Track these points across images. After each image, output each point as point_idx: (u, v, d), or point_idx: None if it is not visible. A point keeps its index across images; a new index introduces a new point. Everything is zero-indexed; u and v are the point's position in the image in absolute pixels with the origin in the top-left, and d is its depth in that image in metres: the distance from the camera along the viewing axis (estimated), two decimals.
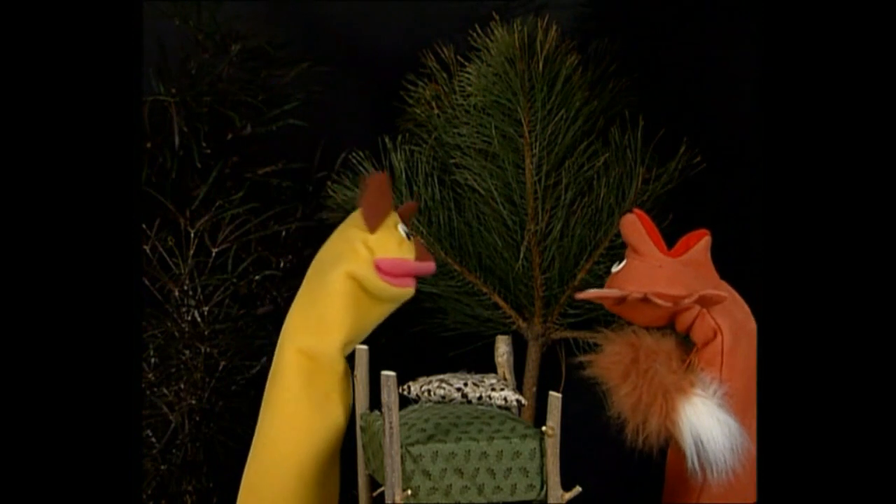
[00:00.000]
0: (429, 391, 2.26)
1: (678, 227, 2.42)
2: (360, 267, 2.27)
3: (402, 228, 2.31)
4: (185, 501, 2.62)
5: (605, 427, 2.25)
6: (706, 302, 2.23)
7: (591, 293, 2.25)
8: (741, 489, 2.26)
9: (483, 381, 2.28)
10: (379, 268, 2.27)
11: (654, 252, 2.25)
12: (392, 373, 2.12)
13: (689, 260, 2.26)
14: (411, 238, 2.31)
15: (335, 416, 2.30)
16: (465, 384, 2.26)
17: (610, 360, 2.23)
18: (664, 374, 2.21)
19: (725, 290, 2.26)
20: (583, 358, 2.24)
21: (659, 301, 2.20)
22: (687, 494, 2.29)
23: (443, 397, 2.26)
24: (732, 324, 2.25)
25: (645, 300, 2.22)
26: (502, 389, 2.27)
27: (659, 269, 2.24)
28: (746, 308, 2.27)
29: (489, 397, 2.26)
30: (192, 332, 2.61)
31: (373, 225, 2.28)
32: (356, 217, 2.31)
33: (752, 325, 2.26)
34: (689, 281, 2.24)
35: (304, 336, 2.29)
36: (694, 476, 2.24)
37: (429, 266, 2.31)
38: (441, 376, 2.28)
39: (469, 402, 2.25)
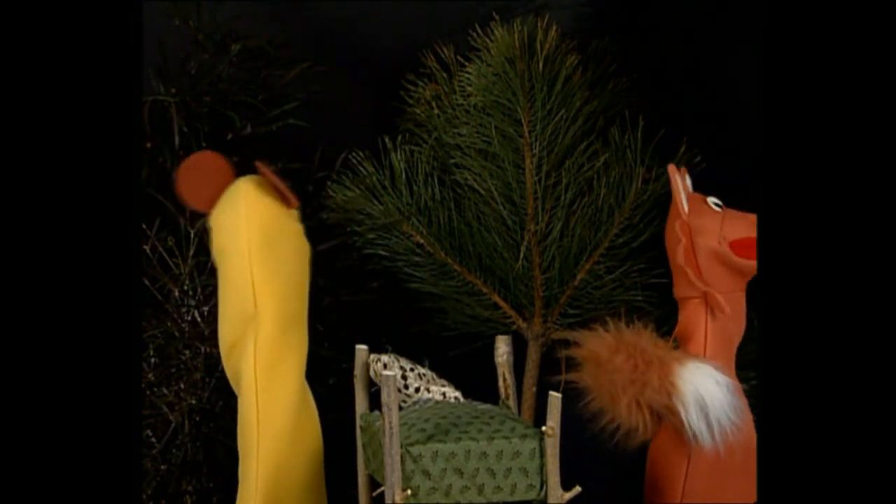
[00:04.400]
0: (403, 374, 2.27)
1: None
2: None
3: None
4: (185, 501, 2.62)
5: (605, 427, 2.25)
6: None
7: None
8: (732, 461, 2.27)
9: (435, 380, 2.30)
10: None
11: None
12: (392, 373, 2.12)
13: None
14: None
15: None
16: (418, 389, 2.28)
17: (597, 341, 2.25)
18: (652, 349, 2.23)
19: None
20: (567, 352, 2.27)
21: None
22: (676, 468, 2.30)
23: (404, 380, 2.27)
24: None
25: None
26: (443, 386, 2.29)
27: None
28: None
29: (427, 390, 2.27)
30: (192, 332, 2.61)
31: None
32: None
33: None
34: None
35: (235, 330, 2.29)
36: (689, 444, 2.25)
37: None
38: (415, 367, 2.29)
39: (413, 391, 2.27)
